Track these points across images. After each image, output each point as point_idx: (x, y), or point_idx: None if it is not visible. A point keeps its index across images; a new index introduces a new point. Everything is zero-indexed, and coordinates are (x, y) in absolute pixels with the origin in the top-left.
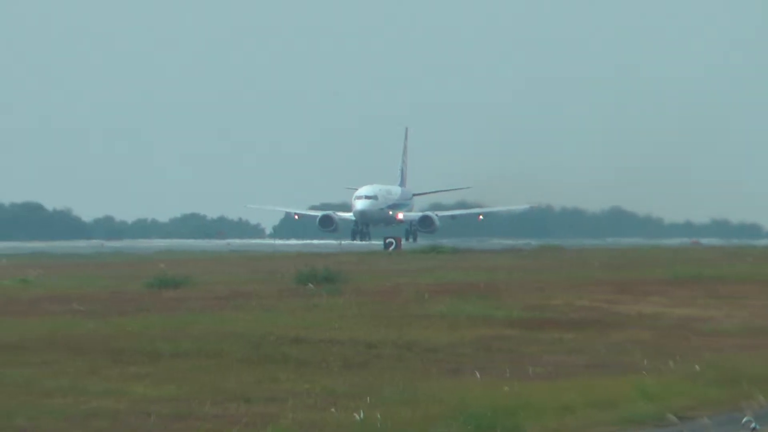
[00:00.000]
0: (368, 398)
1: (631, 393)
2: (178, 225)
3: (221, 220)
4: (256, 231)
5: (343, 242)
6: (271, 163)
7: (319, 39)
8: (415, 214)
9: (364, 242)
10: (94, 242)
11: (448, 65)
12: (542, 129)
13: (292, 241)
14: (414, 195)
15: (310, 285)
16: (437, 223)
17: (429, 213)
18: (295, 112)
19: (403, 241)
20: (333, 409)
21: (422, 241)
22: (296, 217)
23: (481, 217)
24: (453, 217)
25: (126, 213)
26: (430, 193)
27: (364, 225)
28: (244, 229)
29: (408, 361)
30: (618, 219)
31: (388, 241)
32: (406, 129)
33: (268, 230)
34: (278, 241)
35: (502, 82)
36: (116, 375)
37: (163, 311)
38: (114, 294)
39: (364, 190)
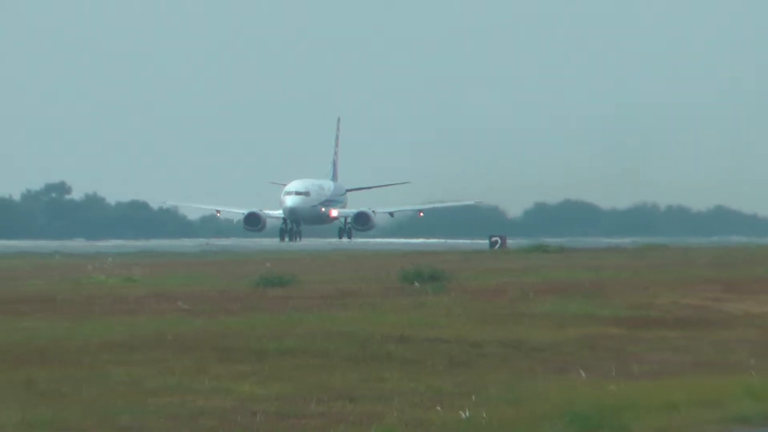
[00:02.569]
0: (473, 397)
1: (737, 392)
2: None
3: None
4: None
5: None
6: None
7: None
8: (349, 211)
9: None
10: (200, 241)
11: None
12: (644, 126)
13: (399, 240)
14: (347, 190)
15: (416, 283)
16: (374, 220)
17: (365, 210)
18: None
19: (346, 235)
20: (438, 408)
21: (526, 243)
22: (218, 213)
23: (421, 213)
24: (392, 214)
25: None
26: (365, 188)
27: (294, 223)
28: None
29: (513, 359)
30: (723, 217)
31: (493, 239)
32: (338, 119)
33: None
34: (381, 240)
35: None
36: (223, 373)
37: (270, 310)
38: (220, 292)
39: (294, 186)
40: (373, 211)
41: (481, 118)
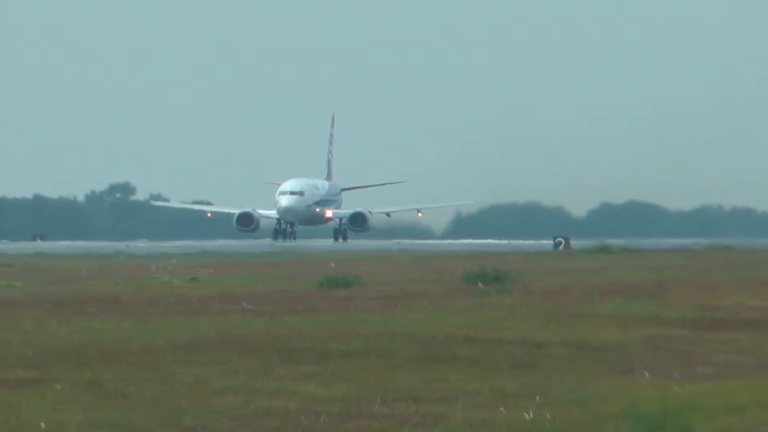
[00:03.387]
0: (537, 398)
1: None
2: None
3: (391, 221)
4: (426, 231)
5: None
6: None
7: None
8: (345, 212)
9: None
10: (264, 241)
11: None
12: (708, 127)
13: (461, 241)
14: (343, 190)
15: (480, 284)
16: (370, 221)
17: (361, 210)
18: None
19: (341, 237)
20: (502, 409)
21: (590, 244)
22: (208, 214)
23: (419, 213)
24: (388, 214)
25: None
26: (361, 187)
27: (288, 224)
28: (415, 229)
29: (577, 360)
30: None
31: (557, 240)
32: (333, 115)
33: (439, 230)
34: (447, 241)
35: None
36: (287, 374)
37: (333, 310)
38: (284, 293)
39: (289, 185)
40: (370, 212)
41: (540, 118)
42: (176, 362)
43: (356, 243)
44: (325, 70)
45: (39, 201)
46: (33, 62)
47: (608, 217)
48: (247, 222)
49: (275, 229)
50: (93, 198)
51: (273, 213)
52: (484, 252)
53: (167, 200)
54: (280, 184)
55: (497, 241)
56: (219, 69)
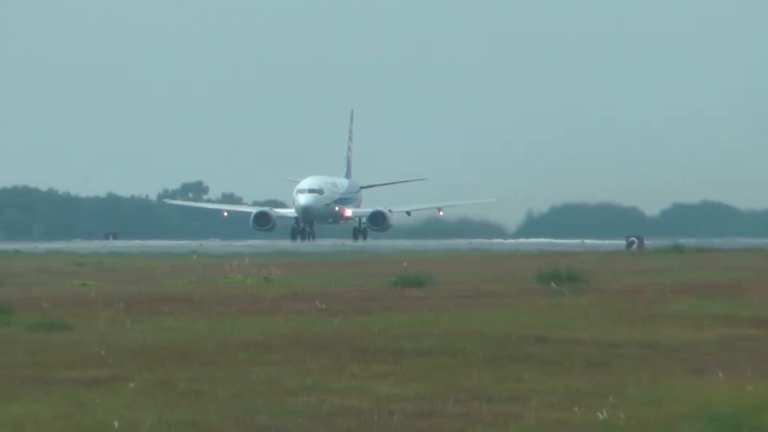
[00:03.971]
0: (611, 398)
1: None
2: (421, 225)
3: (462, 221)
4: (498, 230)
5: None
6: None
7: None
8: (364, 210)
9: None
10: (336, 241)
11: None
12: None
13: (533, 240)
14: (362, 187)
15: (553, 284)
16: (390, 220)
17: (381, 209)
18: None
19: (361, 236)
20: (576, 409)
21: (663, 243)
22: (225, 214)
23: (441, 213)
24: (409, 213)
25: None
26: (380, 185)
27: (307, 223)
28: (486, 228)
29: (651, 360)
30: None
31: (630, 239)
32: (352, 112)
33: (511, 229)
34: (519, 240)
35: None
36: (360, 373)
37: (406, 310)
38: (357, 292)
39: (307, 183)
40: (390, 210)
41: (615, 118)
42: (250, 361)
43: (428, 243)
44: (347, 65)
45: (112, 200)
46: (105, 62)
47: (681, 216)
48: (263, 221)
49: (293, 228)
50: (165, 197)
51: (290, 212)
52: (557, 252)
53: (240, 199)
54: (298, 182)
55: (570, 241)
56: (232, 63)
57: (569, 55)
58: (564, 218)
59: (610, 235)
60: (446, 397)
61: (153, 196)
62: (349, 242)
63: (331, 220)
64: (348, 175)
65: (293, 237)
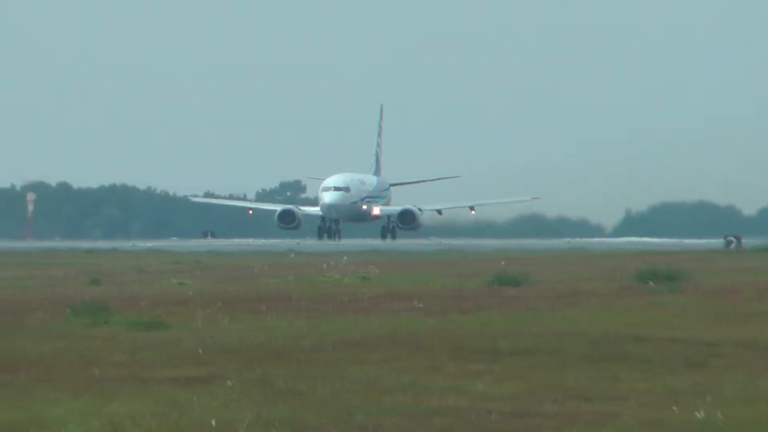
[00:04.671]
0: (709, 397)
1: None
2: (516, 225)
3: (561, 219)
4: (596, 229)
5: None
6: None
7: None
8: (393, 209)
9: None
10: (432, 240)
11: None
12: None
13: (633, 239)
14: (392, 185)
15: (651, 283)
16: (420, 218)
17: (410, 207)
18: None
19: (389, 236)
20: (674, 408)
21: (762, 242)
22: (250, 212)
23: (473, 211)
24: (440, 211)
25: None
26: (411, 183)
27: (333, 221)
28: (584, 227)
29: (748, 360)
30: None
31: (728, 239)
32: (381, 106)
33: (609, 229)
34: (617, 239)
35: None
36: (456, 372)
37: (503, 309)
38: (454, 291)
39: (333, 180)
40: (420, 209)
41: (708, 116)
42: (347, 360)
43: (526, 242)
44: (379, 59)
45: (209, 197)
46: (198, 62)
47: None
48: (288, 219)
49: (320, 227)
50: (263, 196)
51: (316, 210)
52: (655, 251)
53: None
54: (324, 180)
55: (667, 240)
56: (254, 57)
57: (646, 50)
58: (662, 217)
59: (707, 235)
60: (543, 396)
61: (251, 195)
62: (377, 241)
63: (358, 218)
64: (377, 173)
65: (320, 236)
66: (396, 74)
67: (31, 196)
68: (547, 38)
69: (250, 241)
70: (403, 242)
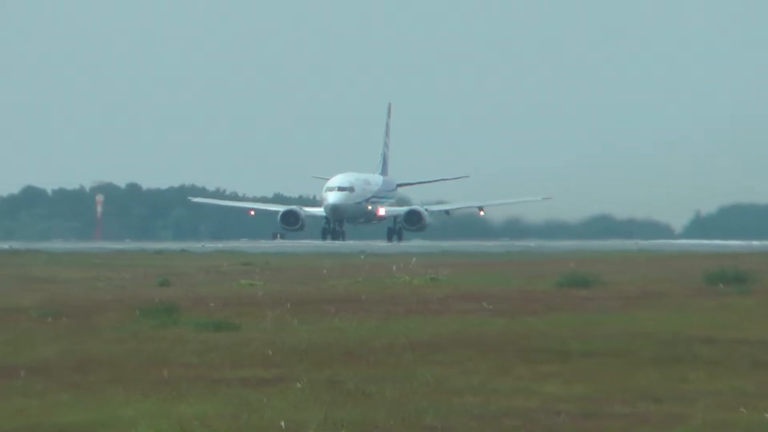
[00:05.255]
0: None
1: None
2: (587, 226)
3: (630, 221)
4: (665, 231)
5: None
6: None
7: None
8: (399, 209)
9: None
10: (502, 242)
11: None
12: None
13: (700, 241)
14: (399, 185)
15: (721, 285)
16: (427, 219)
17: (417, 207)
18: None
19: (395, 237)
20: (743, 410)
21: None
22: (251, 213)
23: (482, 212)
24: (447, 212)
25: (534, 214)
26: (419, 183)
27: (337, 222)
28: (653, 229)
29: None
30: None
31: None
32: (389, 105)
33: (678, 230)
34: (687, 241)
35: None
36: (526, 374)
37: (573, 310)
38: (523, 293)
39: (337, 180)
40: (426, 209)
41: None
42: (416, 361)
43: (596, 243)
44: (388, 56)
45: (278, 200)
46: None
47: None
48: (292, 221)
49: (324, 229)
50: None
51: (320, 211)
52: (724, 252)
53: (409, 199)
54: (328, 179)
55: (736, 242)
56: (261, 54)
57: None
58: (732, 219)
59: None
60: (612, 397)
61: (320, 197)
62: (384, 243)
63: (362, 219)
64: (384, 172)
65: (324, 237)
66: (404, 72)
67: (99, 198)
68: (572, 36)
69: (319, 242)
70: (469, 243)
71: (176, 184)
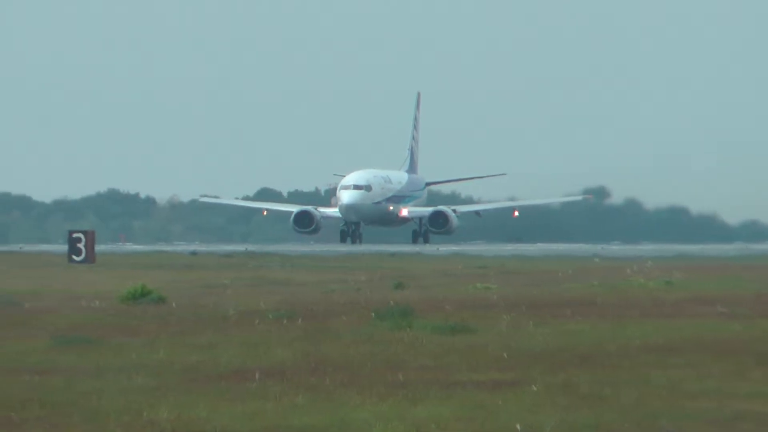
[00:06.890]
0: None
1: None
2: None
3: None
4: None
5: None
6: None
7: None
8: (424, 210)
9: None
10: (739, 245)
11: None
12: None
13: None
14: (428, 184)
15: None
16: (455, 221)
17: (443, 208)
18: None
19: (421, 240)
20: None
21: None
22: (264, 213)
23: (516, 213)
24: (478, 213)
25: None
26: (450, 181)
27: (352, 224)
28: None
29: None
30: None
31: None
32: (418, 94)
33: None
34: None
35: None
36: (762, 378)
37: None
38: (761, 296)
39: (352, 178)
40: (454, 210)
41: None
42: (651, 365)
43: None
44: (418, 43)
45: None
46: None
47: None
48: (306, 222)
49: (342, 231)
50: (568, 203)
51: (337, 212)
52: None
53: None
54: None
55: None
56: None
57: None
58: None
59: None
60: None
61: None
62: (416, 247)
63: (382, 221)
64: (412, 169)
65: (343, 240)
66: (432, 61)
67: (334, 200)
68: (616, 37)
69: (554, 246)
70: (705, 247)
71: None
